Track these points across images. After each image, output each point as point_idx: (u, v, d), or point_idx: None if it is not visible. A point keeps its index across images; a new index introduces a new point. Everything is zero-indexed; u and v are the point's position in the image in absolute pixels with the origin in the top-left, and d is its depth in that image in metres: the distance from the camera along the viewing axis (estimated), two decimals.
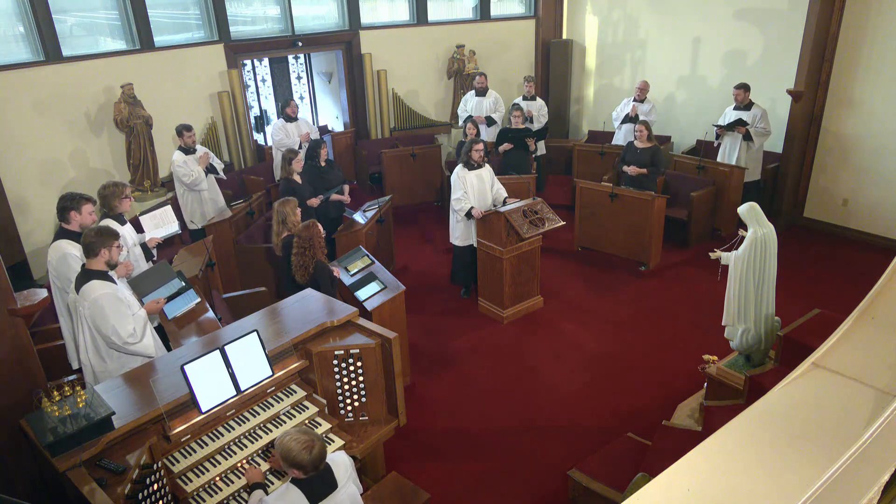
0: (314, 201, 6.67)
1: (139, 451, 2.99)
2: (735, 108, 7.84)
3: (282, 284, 5.29)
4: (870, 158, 7.69)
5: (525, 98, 9.37)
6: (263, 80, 11.73)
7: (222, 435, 3.38)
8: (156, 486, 3.01)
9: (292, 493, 2.70)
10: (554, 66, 11.00)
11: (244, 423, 3.48)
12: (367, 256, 5.67)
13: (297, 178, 6.68)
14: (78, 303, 3.96)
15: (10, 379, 3.52)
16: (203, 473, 3.24)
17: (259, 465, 3.38)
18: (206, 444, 3.32)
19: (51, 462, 2.85)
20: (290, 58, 11.62)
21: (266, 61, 11.47)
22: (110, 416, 3.02)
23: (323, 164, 7.09)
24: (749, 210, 4.31)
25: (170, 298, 4.59)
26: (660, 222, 7.35)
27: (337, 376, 3.80)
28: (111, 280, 4.02)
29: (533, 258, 6.45)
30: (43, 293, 3.64)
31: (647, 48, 10.01)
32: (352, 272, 5.41)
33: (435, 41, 10.40)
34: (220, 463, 3.31)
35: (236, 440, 3.42)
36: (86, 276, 3.94)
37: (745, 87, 7.73)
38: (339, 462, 2.90)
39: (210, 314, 4.68)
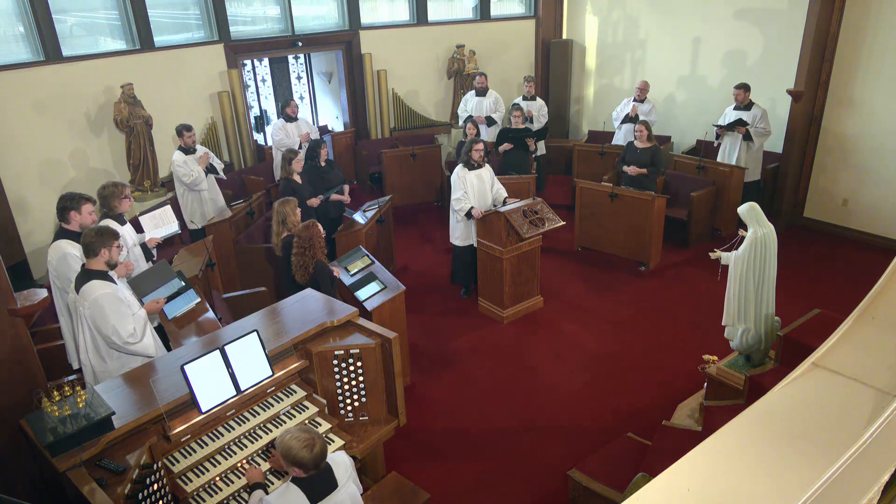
0: (314, 201, 6.67)
1: (139, 451, 2.99)
2: (735, 108, 7.84)
3: (282, 284, 5.29)
4: (870, 158, 7.69)
5: (525, 98, 9.37)
6: (263, 80, 11.73)
7: (222, 435, 3.38)
8: (156, 486, 3.01)
9: (293, 493, 2.70)
10: (554, 66, 11.00)
11: (244, 423, 3.48)
12: (367, 256, 5.67)
13: (297, 178, 6.68)
14: (78, 303, 3.96)
15: (10, 379, 3.52)
16: (203, 473, 3.24)
17: (259, 465, 3.38)
18: (206, 444, 3.32)
19: (51, 462, 2.85)
20: (290, 58, 11.62)
21: (266, 61, 11.47)
22: (110, 416, 3.02)
23: (323, 164, 7.09)
24: (749, 210, 4.31)
25: (170, 298, 4.59)
26: (660, 222, 7.35)
27: (337, 376, 3.80)
28: (111, 280, 4.02)
29: (533, 258, 6.45)
30: (43, 293, 3.64)
31: (647, 48, 10.01)
32: (352, 272, 5.41)
33: (435, 41, 10.40)
34: (220, 463, 3.31)
35: (236, 440, 3.42)
36: (86, 276, 3.94)
37: (745, 87, 7.73)
38: (340, 462, 2.90)
39: (210, 314, 4.68)
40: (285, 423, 3.58)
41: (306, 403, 3.74)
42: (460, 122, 9.41)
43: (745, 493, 2.51)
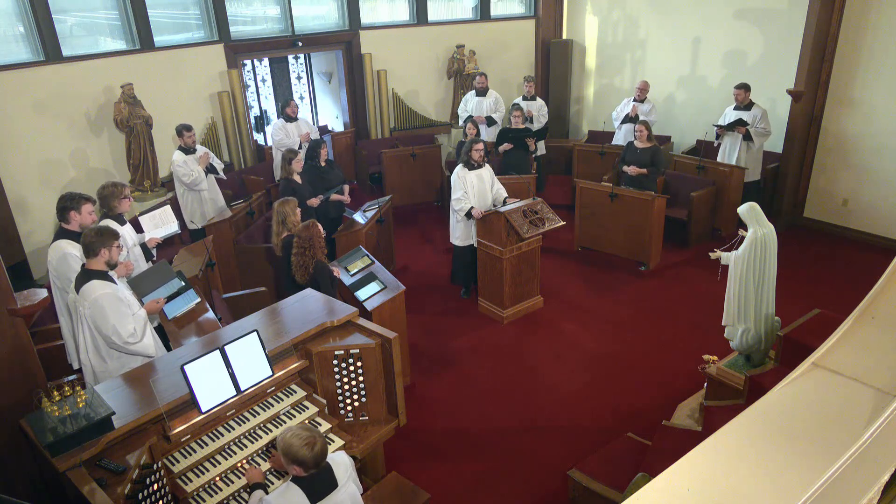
0: (314, 201, 6.67)
1: (139, 451, 2.99)
2: (735, 108, 7.84)
3: (282, 284, 5.29)
4: (870, 158, 7.69)
5: (525, 98, 9.37)
6: (263, 80, 11.73)
7: (222, 435, 3.38)
8: (156, 486, 3.01)
9: (293, 492, 2.70)
10: (554, 66, 11.00)
11: (244, 423, 3.48)
12: (367, 256, 5.67)
13: (297, 178, 6.68)
14: (78, 303, 3.96)
15: (10, 379, 3.52)
16: (203, 473, 3.24)
17: (259, 464, 3.38)
18: (206, 444, 3.32)
19: (51, 462, 2.85)
20: (290, 58, 11.62)
21: (266, 61, 11.48)
22: (110, 416, 3.02)
23: (323, 164, 7.09)
24: (749, 210, 4.31)
25: (170, 298, 4.59)
26: (660, 222, 7.35)
27: (337, 376, 3.80)
28: (111, 280, 4.02)
29: (533, 258, 6.45)
30: (43, 293, 3.64)
31: (647, 48, 10.01)
32: (352, 272, 5.41)
33: (435, 41, 10.40)
34: (220, 463, 3.31)
35: (236, 440, 3.42)
36: (86, 276, 3.94)
37: (745, 87, 7.73)
38: (340, 461, 2.90)
39: (210, 314, 4.68)
40: (285, 423, 3.58)
41: (306, 403, 3.74)
42: (460, 122, 9.41)
43: (745, 493, 2.51)
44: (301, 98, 11.94)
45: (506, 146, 8.11)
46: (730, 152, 7.97)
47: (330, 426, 3.67)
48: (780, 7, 8.20)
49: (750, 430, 2.88)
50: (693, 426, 4.55)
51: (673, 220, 7.79)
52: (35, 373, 3.68)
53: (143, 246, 5.34)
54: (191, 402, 3.27)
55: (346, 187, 7.16)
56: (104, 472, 2.89)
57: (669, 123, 9.71)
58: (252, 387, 3.47)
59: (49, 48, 7.35)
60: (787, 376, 3.23)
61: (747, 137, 7.73)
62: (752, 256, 4.32)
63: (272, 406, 3.61)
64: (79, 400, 3.06)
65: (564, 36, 11.12)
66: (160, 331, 4.67)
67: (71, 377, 4.01)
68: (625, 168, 7.57)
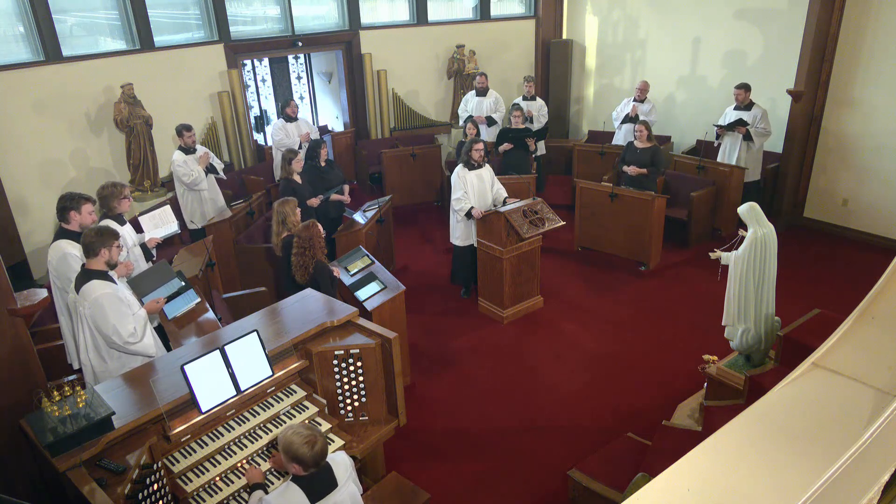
0: (314, 201, 6.67)
1: (139, 451, 2.99)
2: (735, 108, 7.84)
3: (282, 284, 5.29)
4: (870, 158, 7.69)
5: (525, 98, 9.37)
6: (263, 80, 11.73)
7: (222, 435, 3.38)
8: (156, 486, 3.01)
9: (292, 492, 2.70)
10: (554, 66, 11.00)
11: (244, 423, 3.48)
12: (367, 256, 5.67)
13: (297, 178, 6.68)
14: (78, 303, 3.96)
15: (10, 379, 3.52)
16: (203, 473, 3.24)
17: (259, 465, 3.38)
18: (206, 444, 3.32)
19: (51, 462, 2.85)
20: (290, 58, 11.62)
21: (266, 61, 11.47)
22: (110, 416, 3.02)
23: (323, 164, 7.09)
24: (749, 210, 4.31)
25: (170, 298, 4.59)
26: (660, 222, 7.35)
27: (337, 376, 3.80)
28: (111, 280, 4.02)
29: (533, 258, 6.45)
30: (43, 293, 3.64)
31: (647, 48, 10.01)
32: (352, 272, 5.41)
33: (435, 41, 10.40)
34: (220, 463, 3.31)
35: (236, 440, 3.42)
36: (86, 276, 3.94)
37: (745, 87, 7.73)
38: (340, 461, 2.90)
39: (210, 314, 4.68)
40: (285, 423, 3.57)
41: (306, 403, 3.74)
42: (460, 122, 9.42)
43: (745, 493, 2.51)
44: (301, 98, 11.94)
45: (506, 146, 8.11)
46: (730, 152, 7.97)
47: (330, 426, 3.67)
48: (780, 7, 8.20)
49: (750, 430, 2.88)
50: (693, 426, 4.55)
51: (673, 220, 7.79)
52: (35, 373, 3.68)
53: (143, 246, 5.34)
54: (191, 402, 3.27)
55: (346, 187, 7.16)
56: (104, 472, 2.89)
57: (669, 123, 9.71)
58: (252, 387, 3.47)
59: (49, 48, 7.35)
60: (787, 376, 3.23)
61: (747, 137, 7.73)
62: (752, 256, 4.32)
63: (272, 406, 3.61)
64: (79, 400, 3.06)
65: (564, 36, 11.12)
66: (160, 331, 4.68)
67: (71, 377, 4.02)
68: (625, 168, 7.57)
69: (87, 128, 7.81)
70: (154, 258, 5.43)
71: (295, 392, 3.74)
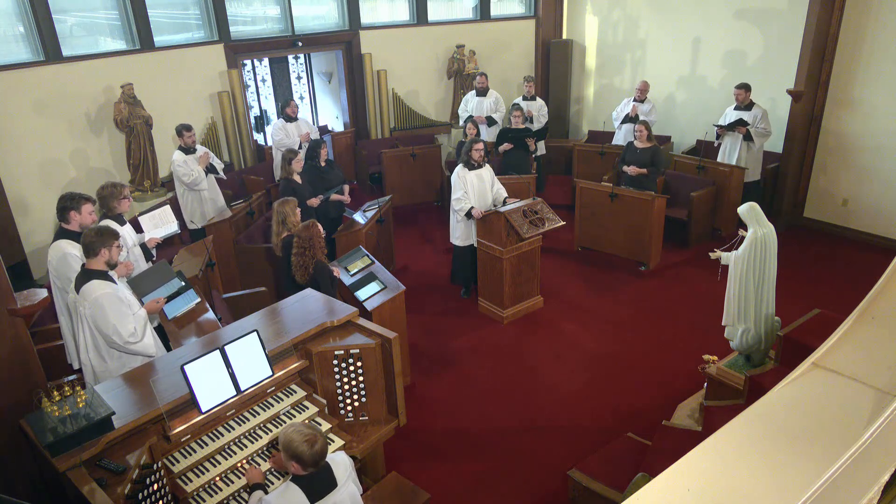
0: (314, 201, 6.67)
1: (139, 451, 2.99)
2: (736, 109, 7.84)
3: (282, 284, 5.29)
4: (870, 158, 7.69)
5: (525, 98, 9.37)
6: (263, 80, 11.74)
7: (222, 435, 3.38)
8: (156, 486, 3.01)
9: (292, 492, 2.71)
10: (554, 66, 11.00)
11: (244, 423, 3.48)
12: (367, 256, 5.67)
13: (297, 178, 6.68)
14: (78, 303, 3.96)
15: (10, 379, 3.52)
16: (203, 473, 3.24)
17: (259, 465, 3.38)
18: (206, 444, 3.32)
19: (51, 462, 2.85)
20: (290, 58, 11.62)
21: (266, 61, 11.48)
22: (110, 416, 3.02)
23: (323, 164, 7.09)
24: (749, 210, 4.31)
25: (170, 298, 4.59)
26: (660, 222, 7.35)
27: (337, 376, 3.80)
28: (111, 280, 4.02)
29: (533, 258, 6.45)
30: (43, 293, 3.64)
31: (647, 48, 10.01)
32: (352, 272, 5.41)
33: (435, 41, 10.40)
34: (220, 463, 3.31)
35: (236, 440, 3.42)
36: (86, 275, 3.94)
37: (746, 87, 7.73)
38: (339, 461, 2.90)
39: (210, 314, 4.68)
40: (285, 423, 3.57)
41: (306, 403, 3.74)
42: (460, 122, 9.42)
43: (745, 492, 2.51)
44: (301, 98, 11.94)
45: (506, 146, 8.11)
46: (730, 152, 7.97)
47: (330, 426, 3.67)
48: (780, 7, 8.20)
49: (750, 430, 2.88)
50: (693, 426, 4.55)
51: (673, 220, 7.79)
52: (35, 373, 3.68)
53: (143, 246, 5.34)
54: (191, 402, 3.27)
55: (346, 187, 7.16)
56: (104, 472, 2.89)
57: (669, 123, 9.71)
58: (252, 387, 3.47)
59: (49, 48, 7.35)
60: (787, 376, 3.23)
61: (748, 137, 7.73)
62: (752, 256, 4.32)
63: (272, 406, 3.61)
64: (79, 400, 3.06)
65: (564, 36, 11.12)
66: (160, 331, 4.68)
67: (71, 377, 4.02)
68: (625, 168, 7.57)
69: (87, 128, 7.81)
70: (154, 258, 5.43)
71: (295, 392, 3.74)
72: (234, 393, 3.40)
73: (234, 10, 9.01)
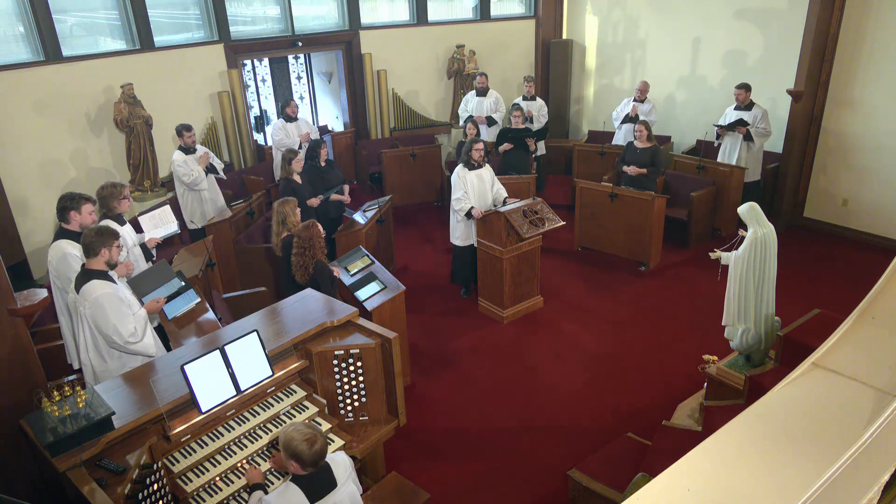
0: (314, 201, 6.67)
1: (139, 451, 2.99)
2: (736, 109, 7.85)
3: (282, 284, 5.29)
4: (870, 158, 7.69)
5: (525, 98, 9.37)
6: (263, 80, 11.74)
7: (222, 435, 3.38)
8: (156, 486, 3.01)
9: (292, 492, 2.71)
10: (554, 66, 11.00)
11: (244, 423, 3.48)
12: (367, 256, 5.67)
13: (297, 178, 6.69)
14: (78, 303, 3.96)
15: (10, 379, 3.52)
16: (203, 473, 3.24)
17: (259, 465, 3.38)
18: (206, 444, 3.32)
19: (51, 462, 2.85)
20: (290, 58, 11.62)
21: (266, 61, 11.48)
22: (110, 416, 3.02)
23: (323, 164, 7.09)
24: (749, 210, 4.31)
25: (170, 298, 4.59)
26: (660, 222, 7.35)
27: (337, 376, 3.80)
28: (111, 280, 4.02)
29: (533, 258, 6.45)
30: (43, 293, 3.64)
31: (647, 48, 10.01)
32: (352, 272, 5.41)
33: (435, 41, 10.40)
34: (220, 463, 3.31)
35: (236, 440, 3.42)
36: (86, 275, 3.94)
37: (746, 87, 7.73)
38: (339, 461, 2.90)
39: (210, 314, 4.68)
40: (285, 423, 3.57)
41: (306, 403, 3.74)
42: (460, 122, 9.42)
43: (745, 492, 2.51)
44: (301, 98, 11.94)
45: (506, 146, 8.11)
46: (730, 152, 7.97)
47: (330, 426, 3.67)
48: (780, 7, 8.20)
49: (750, 430, 2.88)
50: (693, 426, 4.55)
51: (673, 220, 7.79)
52: (35, 373, 3.68)
53: (143, 246, 5.34)
54: (191, 402, 3.27)
55: (346, 187, 7.16)
56: (104, 472, 2.89)
57: (669, 123, 9.71)
58: (252, 387, 3.47)
59: (49, 48, 7.35)
60: (787, 376, 3.23)
61: (748, 138, 7.73)
62: (752, 256, 4.32)
63: (272, 406, 3.61)
64: (79, 400, 3.06)
65: (564, 36, 11.12)
66: (160, 331, 4.68)
67: (71, 377, 4.02)
68: (625, 168, 7.57)
69: (87, 128, 7.81)
70: (154, 258, 5.43)
71: (295, 392, 3.74)
72: (234, 393, 3.40)
73: (234, 10, 9.01)
